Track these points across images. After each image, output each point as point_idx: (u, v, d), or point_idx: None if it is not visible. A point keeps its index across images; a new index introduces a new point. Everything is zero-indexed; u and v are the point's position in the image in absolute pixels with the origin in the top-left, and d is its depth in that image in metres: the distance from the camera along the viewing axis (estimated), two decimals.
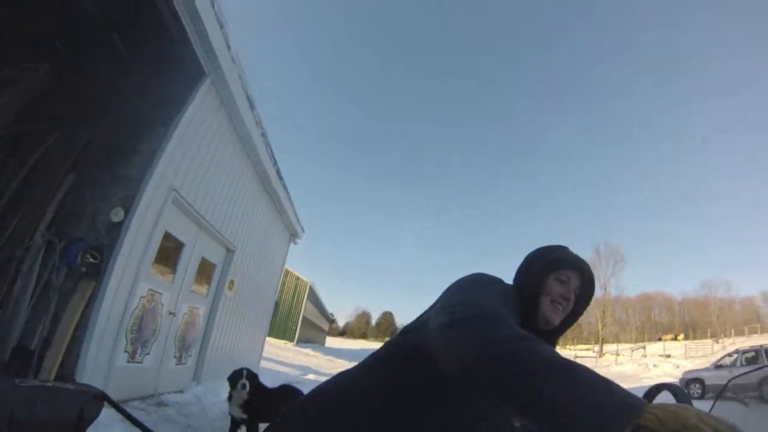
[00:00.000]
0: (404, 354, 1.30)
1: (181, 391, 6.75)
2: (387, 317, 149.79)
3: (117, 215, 4.92)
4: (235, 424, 4.90)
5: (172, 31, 5.00)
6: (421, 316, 1.40)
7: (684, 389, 1.27)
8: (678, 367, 21.94)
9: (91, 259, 4.65)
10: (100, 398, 1.50)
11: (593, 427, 0.77)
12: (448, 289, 1.35)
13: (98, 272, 4.69)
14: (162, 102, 5.53)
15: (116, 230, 4.89)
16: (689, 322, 69.15)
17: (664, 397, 1.18)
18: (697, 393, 16.10)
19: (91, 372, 4.52)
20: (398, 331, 1.44)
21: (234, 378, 4.90)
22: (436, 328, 1.09)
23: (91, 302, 4.64)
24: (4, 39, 6.10)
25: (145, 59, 5.58)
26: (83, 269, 4.63)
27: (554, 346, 1.51)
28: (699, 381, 16.79)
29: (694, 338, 52.60)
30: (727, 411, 1.77)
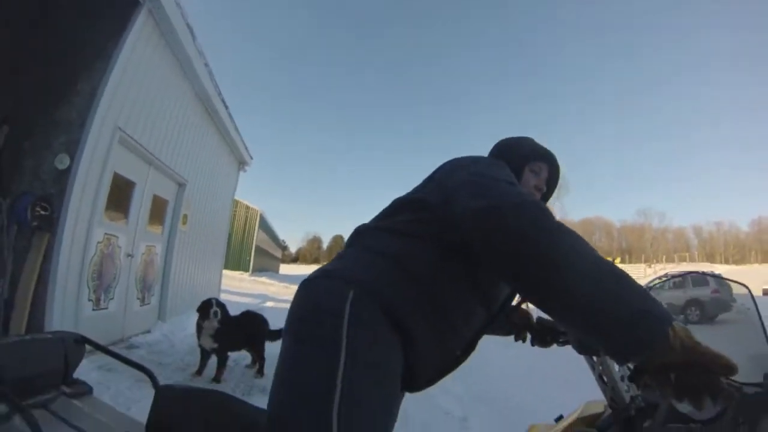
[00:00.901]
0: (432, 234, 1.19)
1: (149, 331, 6.80)
2: (338, 240, 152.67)
3: (62, 162, 4.68)
4: (205, 355, 5.03)
5: None
6: (424, 189, 1.34)
7: None
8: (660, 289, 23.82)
9: (41, 212, 4.46)
10: (81, 341, 1.53)
11: (643, 333, 0.81)
12: (459, 167, 1.28)
13: (50, 224, 4.53)
14: (97, 37, 5.13)
15: (63, 177, 4.68)
16: (626, 247, 74.78)
17: None
18: (696, 317, 17.03)
19: (59, 325, 4.46)
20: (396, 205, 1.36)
21: (204, 308, 5.01)
22: (475, 211, 1.03)
23: (48, 255, 4.51)
24: None
25: None
26: (34, 223, 4.44)
27: None
28: (696, 302, 17.70)
29: (630, 262, 57.16)
30: None
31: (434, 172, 1.38)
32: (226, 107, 9.07)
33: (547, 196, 1.68)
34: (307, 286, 1.21)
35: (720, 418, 1.09)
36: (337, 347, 1.02)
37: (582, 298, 0.87)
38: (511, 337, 1.76)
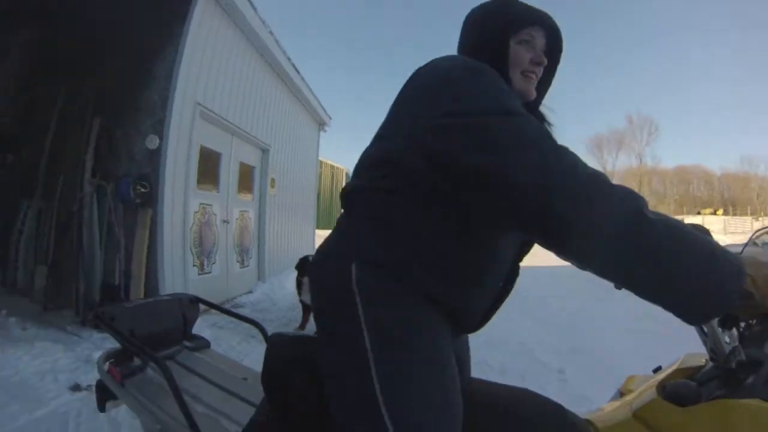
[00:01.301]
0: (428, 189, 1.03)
1: (251, 292, 7.30)
2: None
3: (152, 142, 5.10)
4: (306, 309, 5.24)
5: None
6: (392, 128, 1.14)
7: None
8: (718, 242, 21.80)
9: (142, 189, 4.93)
10: (195, 301, 1.78)
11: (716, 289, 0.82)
12: (444, 88, 1.04)
13: (151, 199, 5.00)
14: (164, 23, 5.45)
15: (156, 156, 5.09)
16: (728, 198, 67.01)
17: None
18: None
19: (171, 289, 4.94)
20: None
21: (302, 265, 5.27)
22: (486, 164, 0.90)
23: (153, 228, 4.99)
24: None
25: None
26: (137, 200, 4.93)
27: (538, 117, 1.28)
28: None
29: (734, 214, 50.83)
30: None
31: (401, 101, 1.15)
32: (297, 71, 9.25)
33: (552, 68, 1.33)
34: (312, 272, 1.13)
35: None
36: (360, 336, 0.96)
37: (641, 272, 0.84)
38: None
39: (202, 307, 1.86)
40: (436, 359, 1.00)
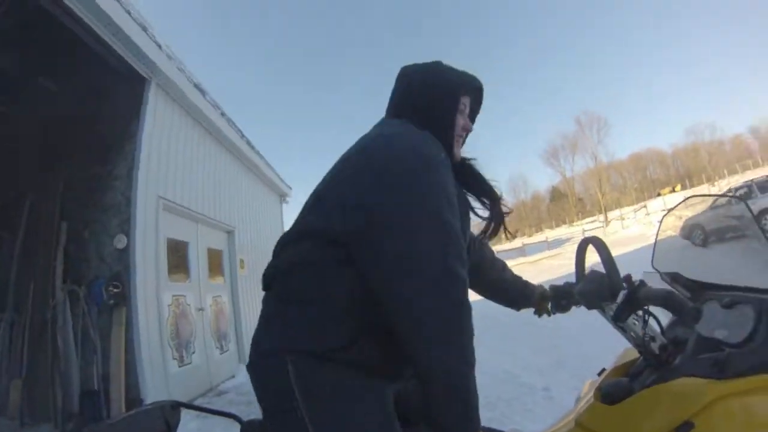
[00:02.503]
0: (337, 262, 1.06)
1: (233, 376, 7.20)
2: None
3: (120, 242, 5.14)
4: None
5: (98, 50, 5.02)
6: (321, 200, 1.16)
7: (603, 242, 1.34)
8: (680, 217, 22.31)
9: (114, 290, 4.93)
10: (176, 406, 1.84)
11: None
12: (373, 183, 1.05)
13: (124, 298, 4.98)
14: (119, 121, 5.63)
15: (125, 255, 5.12)
16: (684, 172, 69.04)
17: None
18: (700, 239, 15.85)
19: (152, 386, 4.91)
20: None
21: None
22: (387, 280, 0.99)
23: (129, 326, 4.95)
24: None
25: (85, 87, 5.68)
26: (111, 301, 4.92)
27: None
28: (699, 227, 16.47)
29: (692, 186, 52.09)
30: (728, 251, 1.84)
31: (333, 178, 1.18)
32: (252, 147, 9.47)
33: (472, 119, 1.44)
34: (251, 371, 1.13)
35: (752, 338, 1.11)
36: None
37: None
38: (578, 308, 1.64)
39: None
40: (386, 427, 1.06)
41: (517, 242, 55.24)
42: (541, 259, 27.20)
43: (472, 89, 1.36)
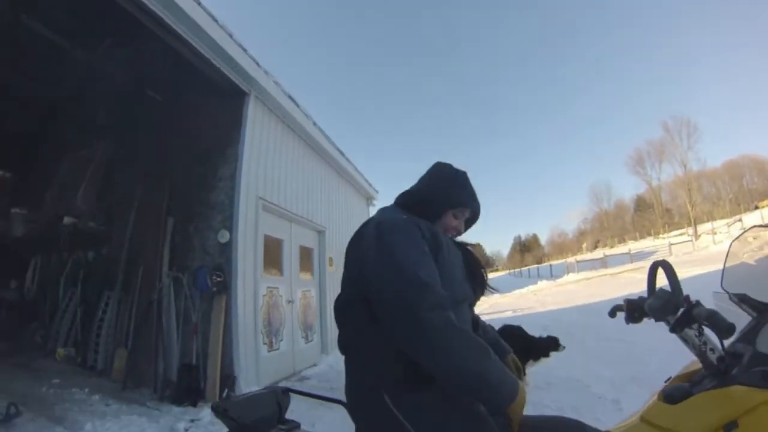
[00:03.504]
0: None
1: (315, 365, 7.70)
2: (477, 248, 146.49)
3: (224, 237, 5.78)
4: None
5: (205, 69, 5.72)
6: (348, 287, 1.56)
7: (670, 265, 1.50)
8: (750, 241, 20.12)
9: (218, 279, 5.58)
10: (287, 391, 2.24)
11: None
12: (373, 256, 1.42)
13: (225, 287, 5.62)
14: (223, 130, 6.33)
15: (227, 248, 5.76)
16: None
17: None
18: None
19: (245, 367, 5.50)
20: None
21: None
22: (391, 318, 1.29)
23: (228, 312, 5.57)
24: (72, 128, 7.16)
25: (191, 101, 6.56)
26: (214, 289, 5.58)
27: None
28: None
29: None
30: None
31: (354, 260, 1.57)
32: (342, 154, 10.01)
33: (464, 230, 1.84)
34: (354, 414, 1.50)
35: None
36: None
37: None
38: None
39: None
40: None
41: (598, 252, 51.61)
42: (622, 272, 25.76)
43: (473, 207, 1.79)
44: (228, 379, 5.33)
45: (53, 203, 7.66)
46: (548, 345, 5.34)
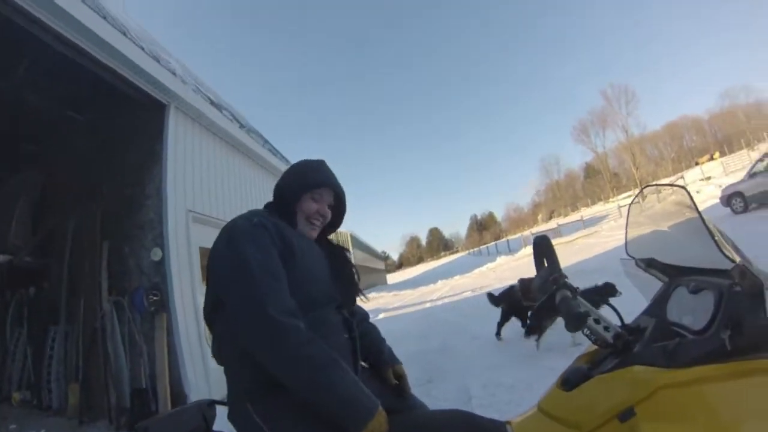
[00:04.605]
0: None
1: None
2: (435, 233, 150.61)
3: (156, 254, 5.72)
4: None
5: (119, 85, 5.59)
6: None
7: (549, 242, 1.51)
8: (720, 186, 20.56)
9: (154, 298, 5.54)
10: (212, 404, 2.28)
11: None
12: (215, 268, 1.55)
13: (164, 305, 5.58)
14: (146, 145, 6.21)
15: (162, 266, 5.70)
16: (722, 138, 64.42)
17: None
18: (740, 207, 15.22)
19: (194, 383, 5.49)
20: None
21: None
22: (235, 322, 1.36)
23: (170, 330, 5.54)
24: None
25: (112, 118, 6.41)
26: (152, 308, 5.53)
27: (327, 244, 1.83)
28: (739, 195, 15.46)
29: (731, 152, 48.51)
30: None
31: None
32: (275, 154, 9.95)
33: (336, 222, 1.86)
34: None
35: (710, 326, 1.11)
36: None
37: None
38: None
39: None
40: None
41: (552, 223, 53.35)
42: (576, 239, 26.51)
43: (331, 186, 1.77)
44: (180, 397, 5.31)
45: None
46: (605, 291, 5.32)
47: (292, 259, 1.49)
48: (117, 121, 6.45)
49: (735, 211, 15.17)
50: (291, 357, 1.27)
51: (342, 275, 1.72)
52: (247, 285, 1.34)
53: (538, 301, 1.40)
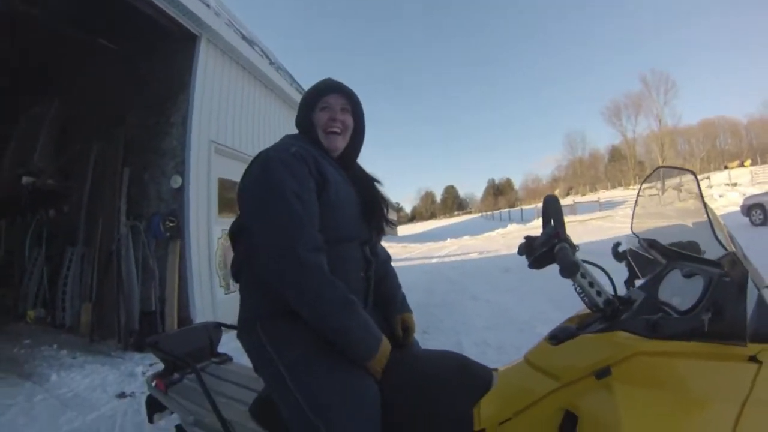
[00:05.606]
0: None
1: None
2: (450, 191, 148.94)
3: (176, 182, 5.67)
4: None
5: (153, 14, 5.46)
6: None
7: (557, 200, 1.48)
8: (744, 194, 20.08)
9: (170, 224, 5.51)
10: (218, 326, 2.26)
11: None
12: (249, 201, 1.50)
13: (179, 231, 5.56)
14: (175, 75, 6.13)
15: (180, 193, 5.68)
16: (757, 146, 62.03)
17: None
18: (759, 219, 14.72)
19: (201, 310, 5.52)
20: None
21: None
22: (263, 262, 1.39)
23: (183, 256, 5.54)
24: (19, 84, 6.99)
25: (143, 48, 6.31)
26: (167, 234, 5.51)
27: (354, 167, 1.76)
28: (760, 207, 14.97)
29: (763, 163, 46.05)
30: None
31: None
32: (300, 93, 9.72)
33: (359, 127, 1.76)
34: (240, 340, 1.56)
35: (694, 309, 1.13)
36: (283, 377, 1.36)
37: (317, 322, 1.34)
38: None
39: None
40: (338, 361, 1.35)
41: (568, 199, 52.35)
42: (590, 219, 26.29)
43: (333, 90, 1.67)
44: (186, 322, 5.30)
45: (11, 164, 7.51)
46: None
47: (325, 191, 1.47)
48: (148, 51, 6.35)
49: (754, 223, 14.71)
50: (309, 297, 1.32)
51: (370, 209, 1.66)
52: (279, 216, 1.36)
53: (538, 252, 1.41)
